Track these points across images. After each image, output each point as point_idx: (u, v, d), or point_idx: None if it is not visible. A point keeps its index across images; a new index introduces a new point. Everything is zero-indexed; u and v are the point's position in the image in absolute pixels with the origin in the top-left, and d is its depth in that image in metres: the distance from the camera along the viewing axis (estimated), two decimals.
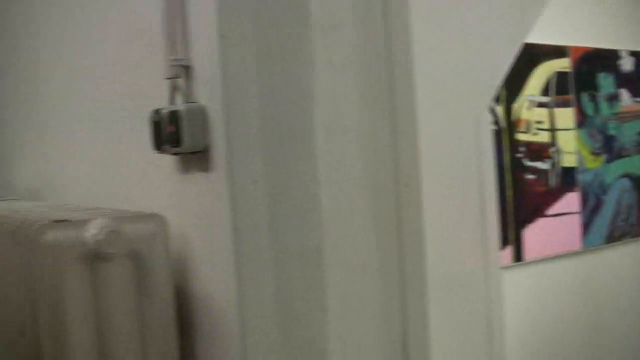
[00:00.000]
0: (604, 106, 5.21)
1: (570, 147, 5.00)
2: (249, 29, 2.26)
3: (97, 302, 2.35)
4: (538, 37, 4.68)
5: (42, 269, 2.33)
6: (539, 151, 4.83)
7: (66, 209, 2.75)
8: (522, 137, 4.74)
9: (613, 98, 5.27)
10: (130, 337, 2.40)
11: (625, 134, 5.34)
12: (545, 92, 4.89)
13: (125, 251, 2.35)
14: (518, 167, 4.72)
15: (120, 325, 2.38)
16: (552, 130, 4.92)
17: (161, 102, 2.45)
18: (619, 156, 5.28)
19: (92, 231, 2.31)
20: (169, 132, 2.31)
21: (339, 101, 2.36)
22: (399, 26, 2.39)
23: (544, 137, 4.87)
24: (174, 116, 2.29)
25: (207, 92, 2.30)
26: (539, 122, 4.85)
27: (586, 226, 5.07)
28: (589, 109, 5.13)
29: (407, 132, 2.40)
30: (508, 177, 4.65)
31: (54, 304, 2.33)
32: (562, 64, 4.98)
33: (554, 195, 4.90)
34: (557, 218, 4.91)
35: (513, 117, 4.71)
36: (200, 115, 2.28)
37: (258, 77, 2.26)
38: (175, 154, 2.39)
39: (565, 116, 4.99)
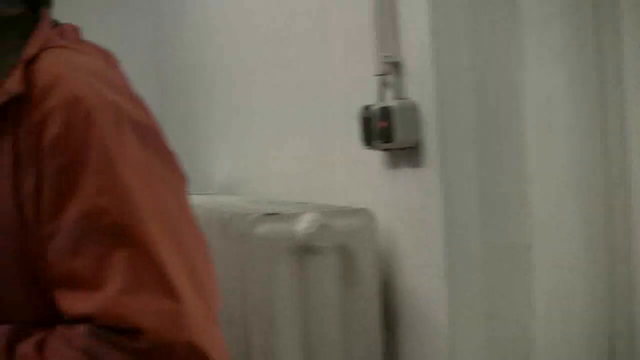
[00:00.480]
0: None
1: None
2: (461, 25, 2.25)
3: (304, 294, 2.40)
4: None
5: (253, 261, 2.40)
6: None
7: (272, 203, 2.81)
8: None
9: None
10: (335, 329, 2.44)
11: None
12: None
13: (334, 245, 2.39)
14: None
15: (326, 317, 2.43)
16: None
17: (369, 98, 2.47)
18: None
19: (303, 225, 2.36)
20: (380, 128, 2.33)
21: (549, 98, 2.33)
22: (609, 19, 2.33)
23: None
24: (385, 112, 2.31)
25: (418, 88, 2.30)
26: None
27: None
28: None
29: (617, 130, 2.34)
30: None
31: (264, 294, 2.39)
32: None
33: None
34: None
35: None
36: (412, 112, 2.29)
37: (470, 73, 2.26)
38: (385, 149, 2.41)
39: None
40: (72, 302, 1.08)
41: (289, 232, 2.36)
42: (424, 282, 2.37)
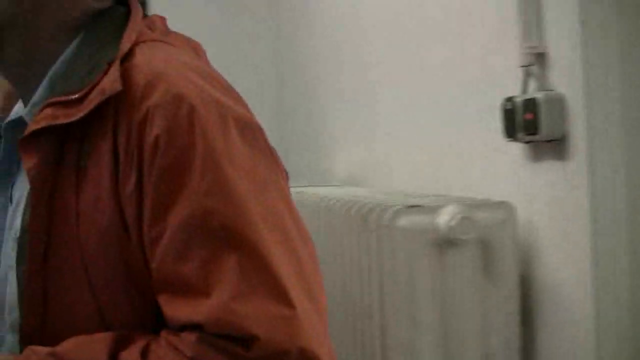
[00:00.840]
0: None
1: None
2: (611, 15, 2.20)
3: (444, 287, 2.39)
4: None
5: (393, 253, 2.39)
6: None
7: (408, 195, 2.80)
8: None
9: None
10: (473, 323, 2.42)
11: None
12: None
13: (475, 238, 2.37)
14: None
15: (465, 309, 2.41)
16: None
17: (508, 90, 2.44)
18: None
19: (445, 217, 2.34)
20: (525, 120, 2.30)
21: None
22: None
23: None
24: (531, 104, 2.28)
25: (565, 79, 2.27)
26: None
27: None
28: None
29: None
30: None
31: (404, 287, 2.39)
32: None
33: None
34: None
35: None
36: (559, 103, 2.25)
37: (619, 64, 2.21)
38: (528, 142, 2.37)
39: None
40: (179, 309, 1.04)
41: (430, 225, 2.35)
42: (567, 276, 2.33)
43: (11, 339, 1.14)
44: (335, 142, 4.19)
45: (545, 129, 2.26)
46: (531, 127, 2.28)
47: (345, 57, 3.99)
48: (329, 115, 4.27)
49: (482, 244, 2.39)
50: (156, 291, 1.07)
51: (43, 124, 1.10)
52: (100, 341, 1.06)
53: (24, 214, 1.12)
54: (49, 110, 1.11)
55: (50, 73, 1.20)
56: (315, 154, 4.50)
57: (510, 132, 2.39)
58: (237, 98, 1.16)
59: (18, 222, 1.14)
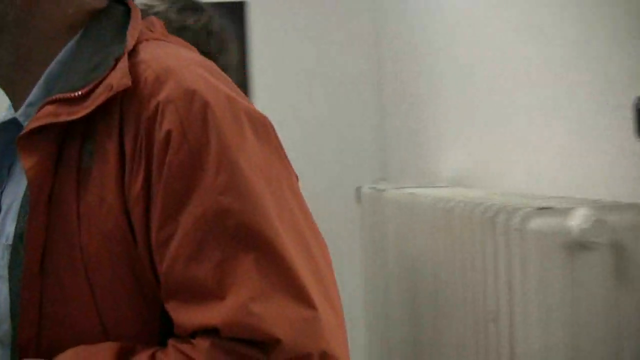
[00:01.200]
0: None
1: None
2: None
3: (575, 290, 2.33)
4: None
5: (523, 257, 2.34)
6: None
7: (527, 197, 2.75)
8: None
9: None
10: (605, 327, 2.36)
11: None
12: None
13: (608, 241, 2.31)
14: None
15: (596, 314, 2.35)
16: None
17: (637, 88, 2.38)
18: None
19: (577, 220, 2.29)
20: None
21: None
22: None
23: None
24: None
25: None
26: None
27: None
28: None
29: None
30: None
31: (535, 291, 2.34)
32: None
33: None
34: None
35: None
36: None
37: None
38: None
39: None
40: (191, 314, 1.00)
41: (562, 228, 2.29)
42: None
43: None
44: (441, 141, 4.13)
45: None
46: None
47: (455, 48, 3.91)
48: (434, 112, 4.21)
49: (614, 247, 2.33)
50: (165, 297, 1.03)
51: (44, 121, 1.06)
52: (104, 351, 1.02)
53: (18, 218, 1.07)
54: (50, 108, 1.07)
55: (46, 73, 1.16)
56: (418, 153, 4.44)
57: None
58: (244, 96, 1.12)
59: (9, 229, 1.11)
